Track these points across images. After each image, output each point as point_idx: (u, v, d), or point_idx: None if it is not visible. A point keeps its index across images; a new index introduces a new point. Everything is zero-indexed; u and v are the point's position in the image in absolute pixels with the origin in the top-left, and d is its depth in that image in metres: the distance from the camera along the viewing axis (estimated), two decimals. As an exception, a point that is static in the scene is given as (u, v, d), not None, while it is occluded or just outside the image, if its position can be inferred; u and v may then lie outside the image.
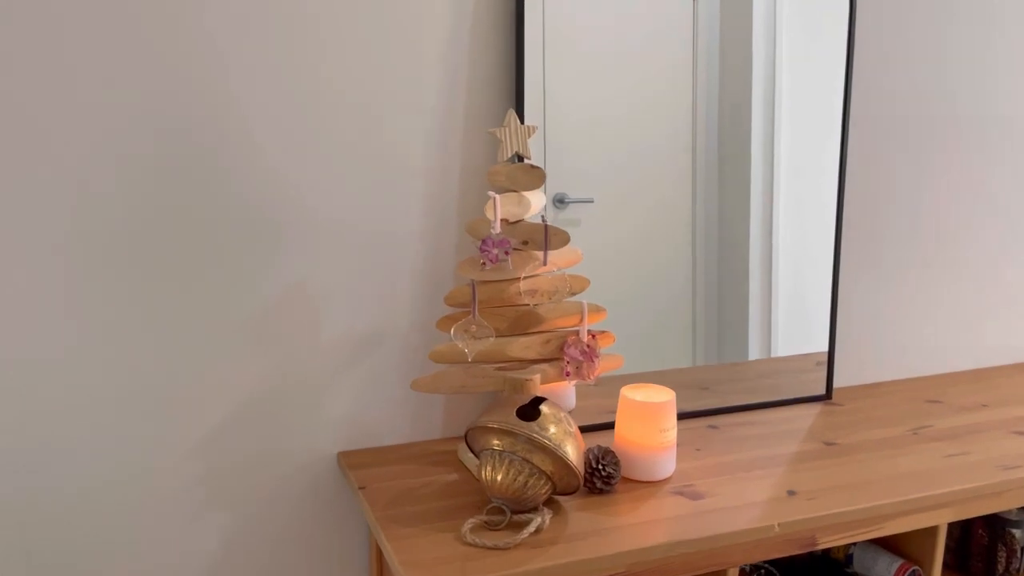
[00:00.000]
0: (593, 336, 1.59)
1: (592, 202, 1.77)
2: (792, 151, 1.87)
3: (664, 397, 1.55)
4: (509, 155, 1.50)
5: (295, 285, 1.59)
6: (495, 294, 1.54)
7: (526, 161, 1.53)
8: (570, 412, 1.69)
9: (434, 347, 1.56)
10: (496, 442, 1.37)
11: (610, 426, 1.76)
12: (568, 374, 1.58)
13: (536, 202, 1.55)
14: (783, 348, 1.92)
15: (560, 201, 1.76)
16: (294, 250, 1.58)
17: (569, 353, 1.58)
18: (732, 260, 1.83)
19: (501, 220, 1.51)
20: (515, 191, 1.51)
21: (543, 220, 1.52)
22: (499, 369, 1.57)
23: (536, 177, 1.51)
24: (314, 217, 1.58)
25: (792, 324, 1.92)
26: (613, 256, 1.79)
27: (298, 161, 1.55)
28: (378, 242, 1.64)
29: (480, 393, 1.74)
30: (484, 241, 1.49)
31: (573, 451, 1.38)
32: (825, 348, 1.96)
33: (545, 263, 1.53)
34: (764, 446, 1.70)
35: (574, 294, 1.58)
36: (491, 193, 1.48)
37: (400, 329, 1.68)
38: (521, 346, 1.56)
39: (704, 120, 1.74)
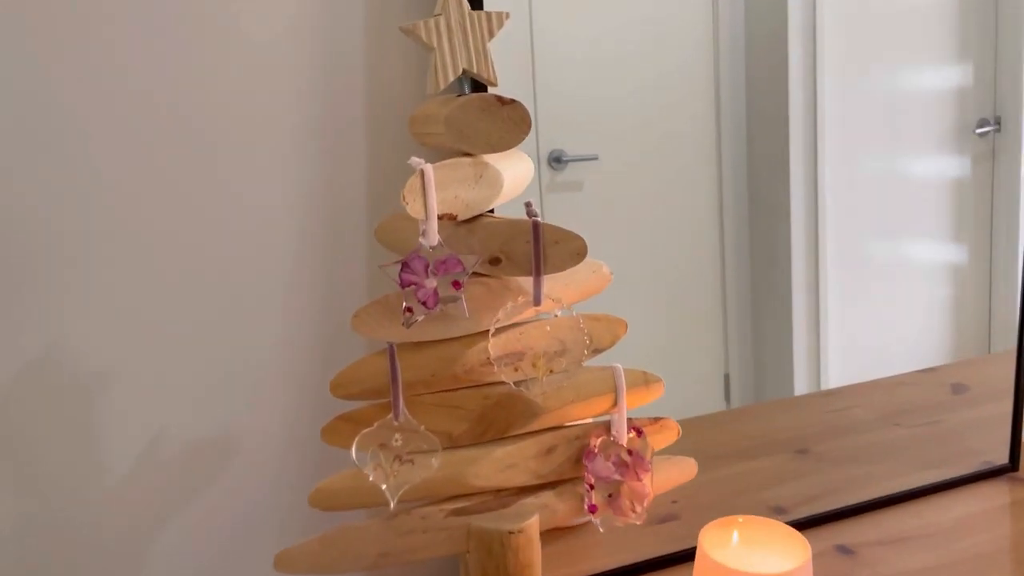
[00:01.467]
0: (639, 432, 0.81)
1: (597, 159, 1.03)
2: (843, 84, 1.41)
3: (792, 558, 0.76)
4: (448, 79, 0.71)
5: (40, 362, 0.80)
6: (439, 367, 0.75)
7: (489, 91, 0.73)
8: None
9: (318, 483, 0.77)
10: None
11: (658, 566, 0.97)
12: (594, 509, 0.80)
13: (515, 174, 0.76)
14: (835, 372, 1.33)
15: (557, 160, 0.99)
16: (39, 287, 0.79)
17: (595, 471, 0.80)
18: (767, 239, 1.33)
19: (443, 217, 0.71)
20: (468, 153, 0.72)
21: (530, 212, 0.73)
22: (454, 514, 0.79)
23: (512, 124, 0.72)
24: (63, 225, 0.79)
25: (848, 337, 1.36)
26: (624, 232, 1.06)
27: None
28: (196, 269, 0.84)
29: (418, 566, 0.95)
30: (407, 265, 0.70)
31: None
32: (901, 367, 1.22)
33: (538, 301, 0.74)
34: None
35: (599, 352, 0.80)
36: (416, 160, 0.69)
37: (250, 446, 0.89)
38: (497, 464, 0.78)
39: (729, 51, 1.31)
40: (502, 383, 0.77)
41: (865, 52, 1.55)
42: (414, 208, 0.68)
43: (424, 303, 0.71)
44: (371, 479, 0.74)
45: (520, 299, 0.74)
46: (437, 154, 0.74)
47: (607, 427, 0.81)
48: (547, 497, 0.80)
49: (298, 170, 0.85)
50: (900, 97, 1.61)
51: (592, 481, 0.80)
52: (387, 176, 0.88)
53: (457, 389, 0.77)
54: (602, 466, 0.80)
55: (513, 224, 0.72)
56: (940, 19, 1.65)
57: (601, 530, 0.85)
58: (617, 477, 0.80)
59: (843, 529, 1.07)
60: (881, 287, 1.55)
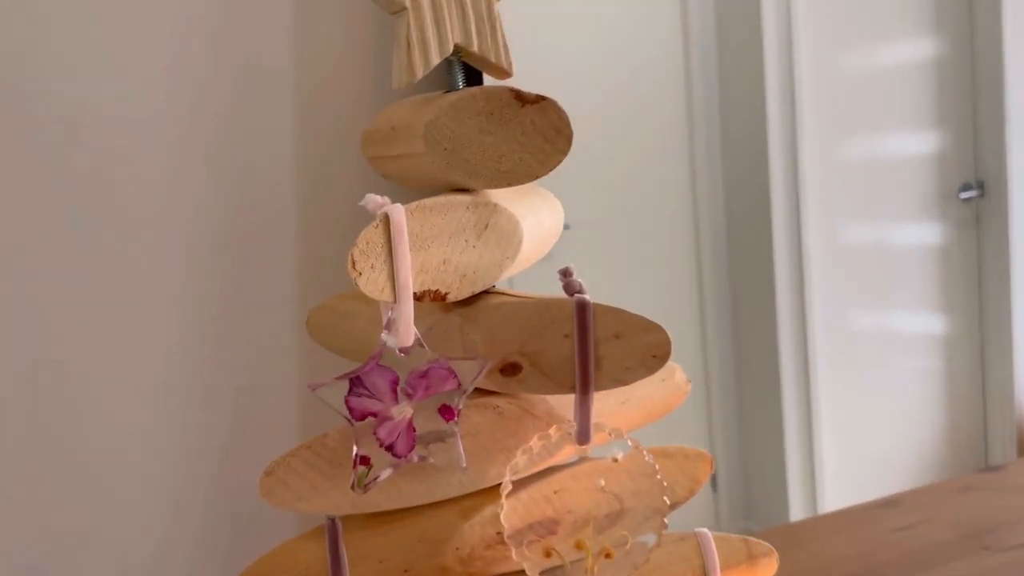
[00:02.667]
0: (740, 641, 0.50)
1: (567, 228, 0.80)
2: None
3: None
4: (431, 62, 0.41)
5: None
6: (417, 556, 0.44)
7: (501, 83, 0.43)
8: None
9: None
10: None
11: None
12: None
13: (540, 222, 0.46)
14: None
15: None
16: None
17: None
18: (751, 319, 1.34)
19: (424, 296, 0.40)
20: (464, 188, 0.42)
21: (570, 283, 0.43)
22: None
23: (540, 137, 0.41)
24: None
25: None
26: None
27: None
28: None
29: None
30: (359, 384, 0.39)
31: None
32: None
33: (585, 436, 0.43)
34: None
35: (677, 506, 0.49)
36: (374, 201, 0.38)
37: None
38: None
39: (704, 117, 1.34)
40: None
41: (844, 117, 1.51)
42: (371, 282, 0.38)
43: (391, 448, 0.40)
44: None
45: (553, 432, 0.44)
46: (410, 192, 0.44)
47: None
48: None
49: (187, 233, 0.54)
50: (880, 162, 1.57)
51: None
52: (325, 224, 0.57)
53: (445, 586, 0.45)
54: None
55: (542, 307, 0.42)
56: (917, 82, 1.59)
57: None
58: None
59: None
60: (869, 359, 1.51)
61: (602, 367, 0.42)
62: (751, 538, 0.51)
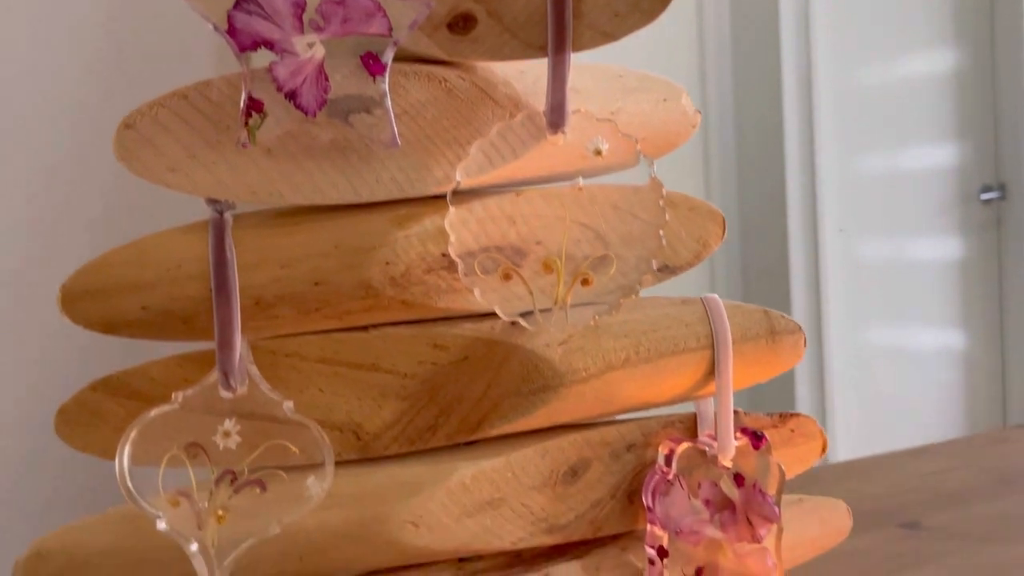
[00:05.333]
0: (756, 440, 0.39)
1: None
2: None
3: None
4: None
5: None
6: (331, 269, 0.33)
7: None
8: None
9: (33, 541, 0.33)
10: None
11: None
12: (663, 601, 0.37)
13: None
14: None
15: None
16: None
17: (670, 519, 0.37)
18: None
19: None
20: None
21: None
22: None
23: None
24: None
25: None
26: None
27: None
28: None
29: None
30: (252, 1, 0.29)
31: None
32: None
33: (558, 118, 0.32)
34: None
35: (669, 272, 0.38)
36: None
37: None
38: (461, 498, 0.35)
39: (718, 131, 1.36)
40: (476, 315, 0.35)
41: (862, 128, 1.50)
42: None
43: (293, 97, 0.30)
44: (163, 528, 0.31)
45: (518, 117, 0.33)
46: None
47: (689, 426, 0.39)
48: (566, 574, 0.37)
49: None
50: (899, 173, 1.55)
51: (662, 542, 0.37)
52: None
53: (375, 327, 0.35)
54: (682, 509, 0.38)
55: None
56: (938, 91, 1.59)
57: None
58: (714, 533, 0.38)
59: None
60: (887, 373, 1.51)
61: (583, 15, 0.32)
62: (774, 311, 0.40)
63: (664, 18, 0.33)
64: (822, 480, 0.90)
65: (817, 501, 0.43)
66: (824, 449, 0.42)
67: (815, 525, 0.42)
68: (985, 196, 1.72)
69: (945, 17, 1.66)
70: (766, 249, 1.42)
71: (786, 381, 1.35)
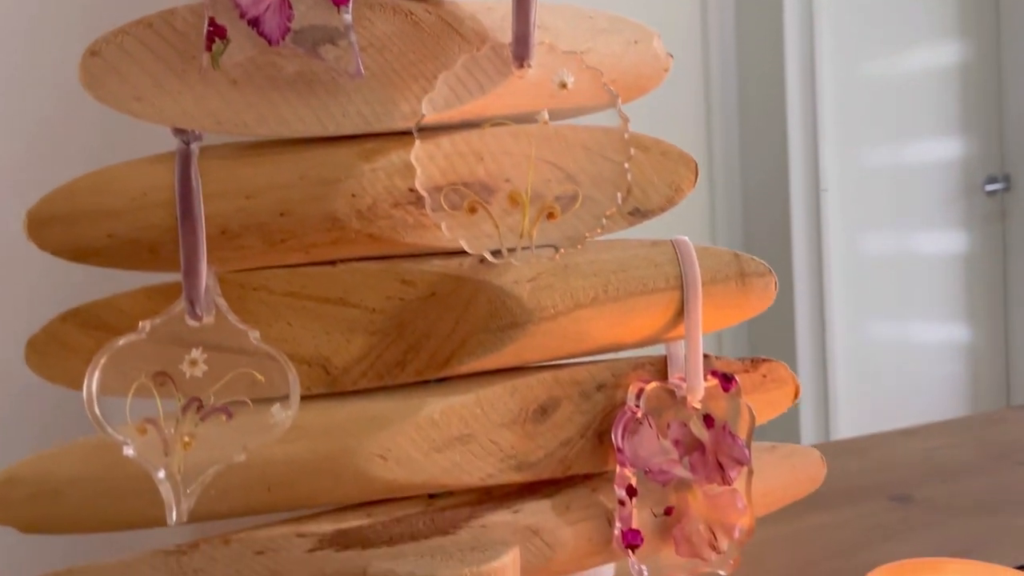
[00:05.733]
0: (726, 382, 0.39)
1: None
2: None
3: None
4: None
5: None
6: (297, 201, 0.33)
7: None
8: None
9: (4, 469, 0.34)
10: None
11: None
12: (633, 539, 0.37)
13: None
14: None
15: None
16: None
17: (639, 458, 0.37)
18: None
19: None
20: None
21: None
22: (333, 546, 0.35)
23: None
24: None
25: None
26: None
27: None
28: None
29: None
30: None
31: None
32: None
33: (523, 51, 0.33)
34: None
35: (642, 216, 0.38)
36: None
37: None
38: (430, 433, 0.35)
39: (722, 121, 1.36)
40: (444, 252, 0.36)
41: (867, 123, 1.49)
42: None
43: (256, 25, 0.30)
44: (130, 455, 0.31)
45: (483, 50, 0.34)
46: None
47: (659, 368, 0.39)
48: (536, 512, 0.37)
49: None
50: (904, 166, 1.55)
51: (631, 481, 0.37)
52: None
53: (343, 261, 0.35)
54: (652, 448, 0.38)
55: None
56: (943, 84, 1.59)
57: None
58: (683, 473, 0.38)
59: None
60: (891, 367, 1.50)
61: (546, -54, 0.32)
62: (744, 253, 0.40)
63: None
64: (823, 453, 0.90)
65: (790, 448, 0.43)
66: (797, 394, 0.42)
67: (787, 472, 0.43)
68: (990, 188, 1.71)
69: (950, 9, 1.65)
70: (769, 242, 1.42)
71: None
